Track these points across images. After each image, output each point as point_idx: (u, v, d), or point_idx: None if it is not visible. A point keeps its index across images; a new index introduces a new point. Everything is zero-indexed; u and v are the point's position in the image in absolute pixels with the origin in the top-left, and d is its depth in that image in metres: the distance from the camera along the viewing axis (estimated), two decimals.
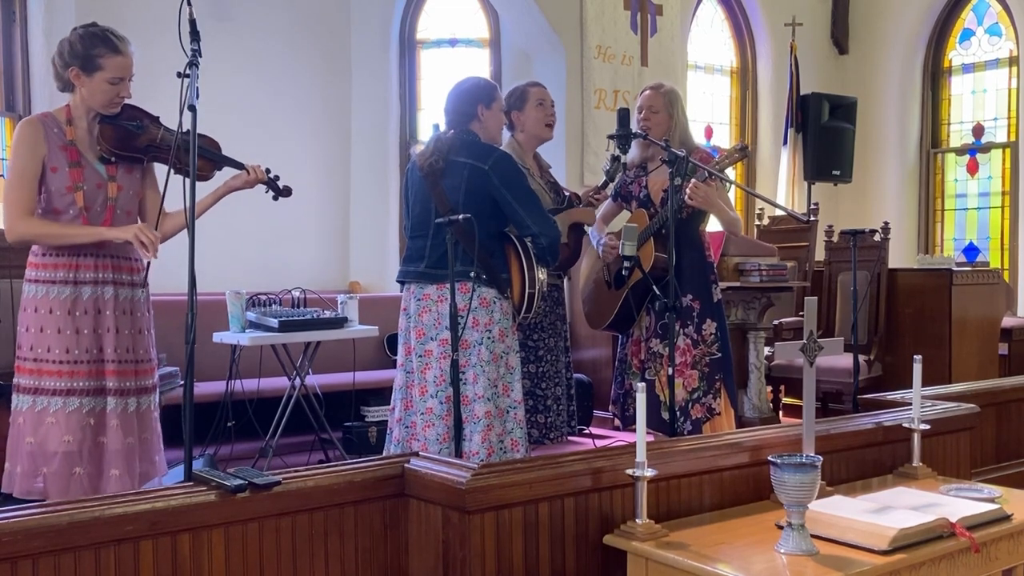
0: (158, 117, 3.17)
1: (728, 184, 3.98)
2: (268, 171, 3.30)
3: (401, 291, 3.61)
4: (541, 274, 3.46)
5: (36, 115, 3.09)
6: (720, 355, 3.88)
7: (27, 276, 3.05)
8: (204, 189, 3.20)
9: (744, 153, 3.81)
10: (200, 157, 3.09)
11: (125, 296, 3.11)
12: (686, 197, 3.68)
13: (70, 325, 3.00)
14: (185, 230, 3.09)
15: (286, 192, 3.36)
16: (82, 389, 3.00)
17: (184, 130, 2.93)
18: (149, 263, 3.12)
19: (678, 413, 3.76)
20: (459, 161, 3.43)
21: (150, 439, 3.17)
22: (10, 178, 2.99)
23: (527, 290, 3.43)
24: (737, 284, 5.48)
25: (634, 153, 4.03)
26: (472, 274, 3.35)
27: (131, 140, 3.08)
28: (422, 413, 3.41)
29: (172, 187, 3.04)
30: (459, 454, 3.13)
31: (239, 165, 3.25)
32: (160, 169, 3.21)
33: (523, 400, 3.83)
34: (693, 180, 3.65)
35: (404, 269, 3.57)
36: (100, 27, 3.06)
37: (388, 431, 3.63)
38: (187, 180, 2.84)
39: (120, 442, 3.04)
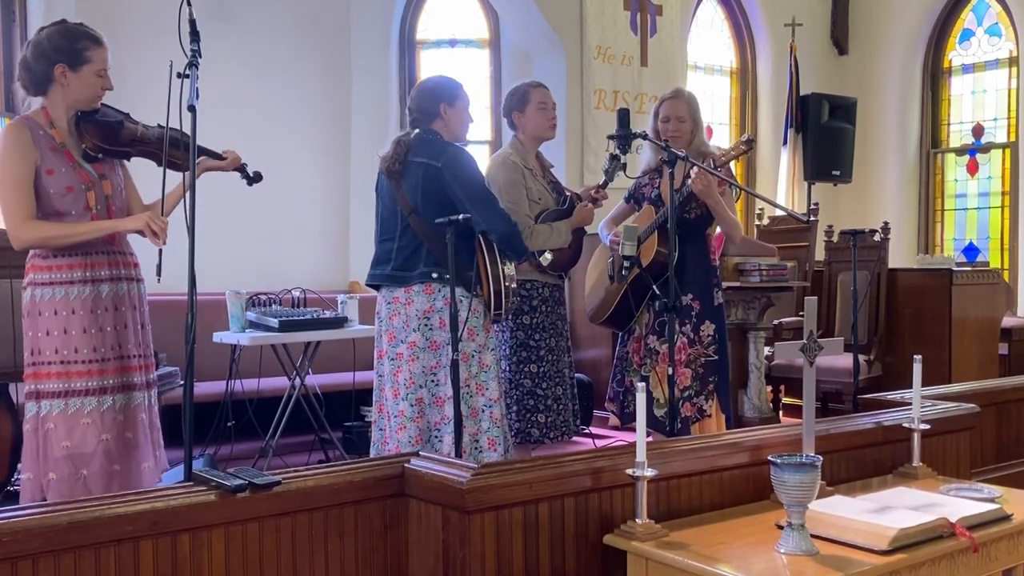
0: (128, 114, 3.16)
1: (734, 189, 3.99)
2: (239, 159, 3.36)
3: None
4: (508, 269, 3.45)
5: (18, 119, 3.02)
6: (716, 358, 3.87)
7: (34, 280, 2.97)
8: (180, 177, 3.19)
9: (750, 145, 3.81)
10: (182, 149, 3.04)
11: (134, 291, 3.13)
12: (689, 181, 3.69)
13: (94, 324, 2.97)
14: (177, 208, 3.14)
15: (257, 178, 3.41)
16: (112, 386, 2.99)
17: (168, 125, 2.91)
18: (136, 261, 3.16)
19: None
20: (415, 161, 3.44)
21: (156, 433, 3.20)
22: (4, 186, 2.91)
23: (493, 287, 3.42)
24: (737, 284, 5.48)
25: (649, 156, 4.04)
26: (435, 275, 3.35)
27: (116, 135, 3.05)
28: (395, 416, 3.41)
29: (153, 178, 2.99)
30: (459, 454, 3.13)
31: (219, 156, 3.29)
32: (142, 164, 3.19)
33: (519, 399, 3.83)
34: (696, 167, 3.66)
35: (372, 272, 3.56)
36: (72, 23, 3.03)
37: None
38: (180, 175, 2.86)
39: (148, 436, 3.07)
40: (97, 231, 2.97)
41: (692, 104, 4.00)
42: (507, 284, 3.44)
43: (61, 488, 2.88)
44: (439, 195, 3.38)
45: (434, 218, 3.25)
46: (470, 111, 3.67)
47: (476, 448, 3.39)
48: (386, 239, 3.54)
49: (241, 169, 3.36)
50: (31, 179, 2.92)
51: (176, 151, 3.11)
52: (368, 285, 3.62)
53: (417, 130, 3.54)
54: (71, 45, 2.95)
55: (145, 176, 3.21)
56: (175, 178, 3.10)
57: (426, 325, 3.39)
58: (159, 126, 3.08)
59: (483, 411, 3.42)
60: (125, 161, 3.20)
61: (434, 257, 3.33)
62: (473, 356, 3.42)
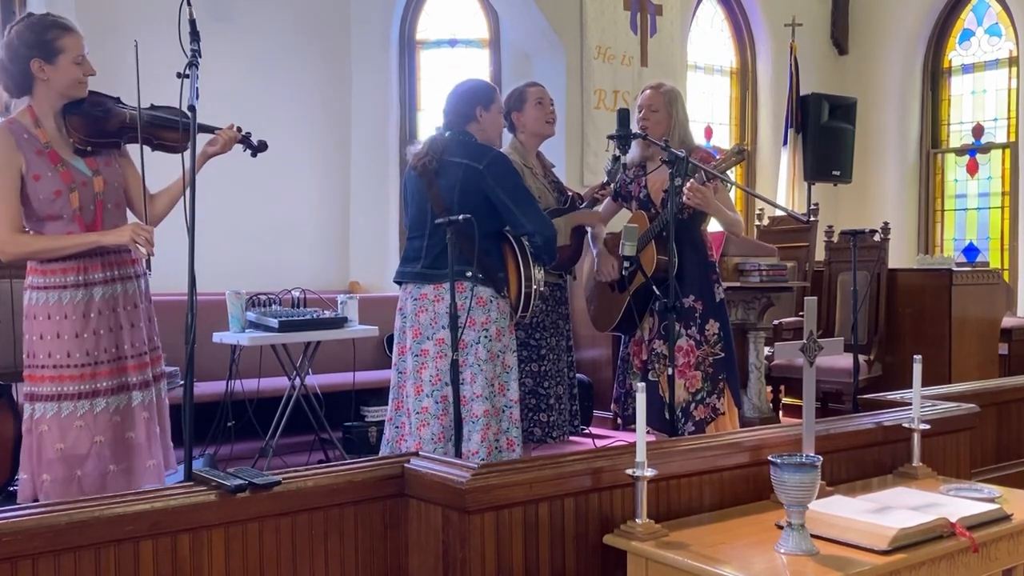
0: (118, 97, 3.08)
1: (728, 184, 3.98)
2: (240, 129, 3.19)
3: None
4: (538, 273, 3.47)
5: (2, 123, 2.95)
6: (723, 355, 3.87)
7: (32, 283, 2.96)
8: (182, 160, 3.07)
9: (742, 156, 3.80)
10: (174, 129, 3.01)
11: (132, 290, 3.07)
12: (684, 198, 3.68)
13: (87, 328, 2.94)
14: (176, 207, 3.08)
15: (262, 147, 3.25)
16: (106, 389, 2.96)
17: (147, 104, 2.93)
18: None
19: (680, 415, 3.76)
20: (454, 161, 3.44)
21: (165, 427, 3.16)
22: None
23: (524, 289, 3.44)
24: (737, 284, 5.48)
25: (634, 152, 4.02)
26: (468, 274, 3.36)
27: (103, 125, 2.98)
28: (417, 412, 3.41)
29: (154, 166, 3.00)
30: (459, 454, 3.13)
31: (212, 129, 3.14)
32: (134, 151, 3.10)
33: (521, 399, 3.84)
34: (691, 181, 3.64)
35: (401, 269, 3.58)
36: (39, 14, 2.95)
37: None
38: (170, 157, 2.85)
39: (153, 434, 3.04)
40: (79, 245, 2.92)
41: (669, 97, 3.96)
42: (536, 287, 3.46)
43: (56, 488, 2.88)
44: (477, 196, 3.39)
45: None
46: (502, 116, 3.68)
47: (497, 448, 3.40)
48: (414, 236, 3.55)
49: (244, 141, 3.21)
50: (16, 188, 2.88)
51: (169, 132, 3.02)
52: (395, 282, 3.61)
53: (450, 131, 3.54)
54: (40, 38, 2.88)
55: (159, 165, 3.10)
56: (175, 170, 3.00)
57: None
58: (152, 106, 3.03)
59: (504, 411, 3.44)
60: (117, 151, 3.09)
61: (466, 256, 3.33)
62: (498, 357, 3.43)
